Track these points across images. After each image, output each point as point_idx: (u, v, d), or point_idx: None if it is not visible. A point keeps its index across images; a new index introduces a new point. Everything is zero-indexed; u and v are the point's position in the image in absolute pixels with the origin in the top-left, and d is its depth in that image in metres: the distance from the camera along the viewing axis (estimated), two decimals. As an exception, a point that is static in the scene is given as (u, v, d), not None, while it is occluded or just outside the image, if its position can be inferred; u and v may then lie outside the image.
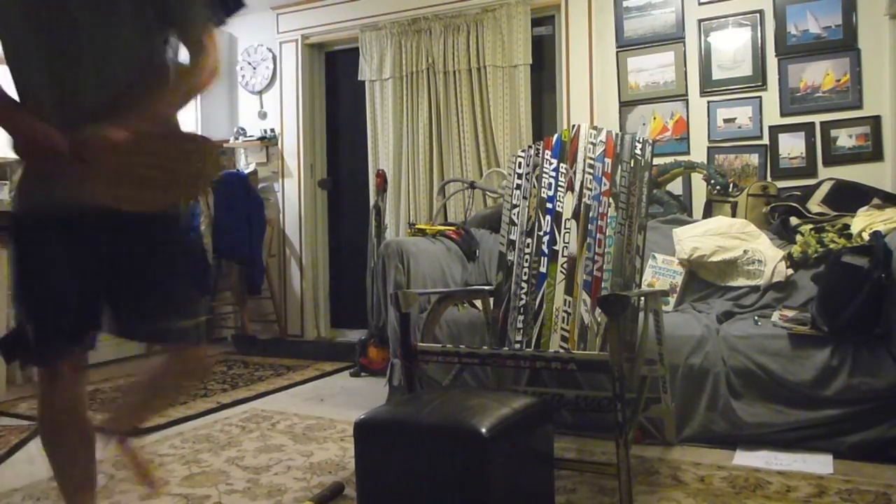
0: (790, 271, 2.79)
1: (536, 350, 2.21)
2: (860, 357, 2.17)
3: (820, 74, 3.42)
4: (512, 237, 2.38)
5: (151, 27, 1.39)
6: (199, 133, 1.51)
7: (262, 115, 5.00)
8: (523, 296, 2.30)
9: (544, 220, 2.34)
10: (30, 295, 1.41)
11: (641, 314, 2.13)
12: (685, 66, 3.70)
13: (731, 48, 3.61)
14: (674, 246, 3.02)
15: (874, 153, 3.32)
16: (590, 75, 3.91)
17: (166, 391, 1.75)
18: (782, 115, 3.51)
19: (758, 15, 3.55)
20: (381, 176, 4.03)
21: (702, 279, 2.96)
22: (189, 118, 4.89)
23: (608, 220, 2.26)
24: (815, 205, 3.01)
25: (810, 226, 2.86)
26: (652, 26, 3.78)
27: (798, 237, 2.82)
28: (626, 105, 3.85)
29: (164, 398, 1.81)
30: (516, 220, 2.38)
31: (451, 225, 3.53)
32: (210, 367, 1.74)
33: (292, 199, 4.88)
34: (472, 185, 3.85)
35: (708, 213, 3.35)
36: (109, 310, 1.45)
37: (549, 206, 2.34)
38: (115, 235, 1.38)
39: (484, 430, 1.48)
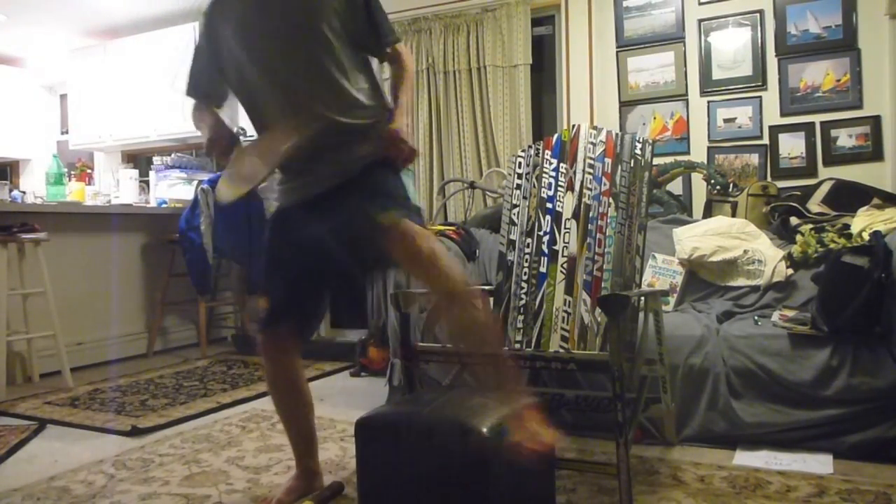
0: (790, 271, 2.79)
1: (536, 350, 2.21)
2: (860, 357, 2.17)
3: (820, 74, 3.42)
4: (512, 237, 2.38)
5: (357, 62, 1.78)
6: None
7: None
8: (523, 296, 2.30)
9: (544, 220, 2.34)
10: (268, 273, 1.86)
11: (641, 314, 2.13)
12: (685, 66, 3.71)
13: (731, 48, 3.61)
14: (674, 246, 3.02)
15: (874, 153, 3.32)
16: (590, 75, 3.91)
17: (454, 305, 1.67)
18: (782, 114, 3.51)
19: (758, 15, 3.55)
20: (381, 176, 4.03)
21: (702, 279, 2.96)
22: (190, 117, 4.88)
23: (608, 220, 2.26)
24: (815, 205, 3.01)
25: (810, 226, 2.86)
26: (652, 26, 3.78)
27: (798, 237, 2.82)
28: (626, 105, 3.86)
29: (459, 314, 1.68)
30: (516, 220, 2.38)
31: (451, 225, 3.52)
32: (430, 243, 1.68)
33: (292, 199, 4.87)
34: (472, 185, 3.84)
35: (708, 213, 3.35)
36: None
37: (549, 206, 2.34)
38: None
39: (484, 430, 1.48)
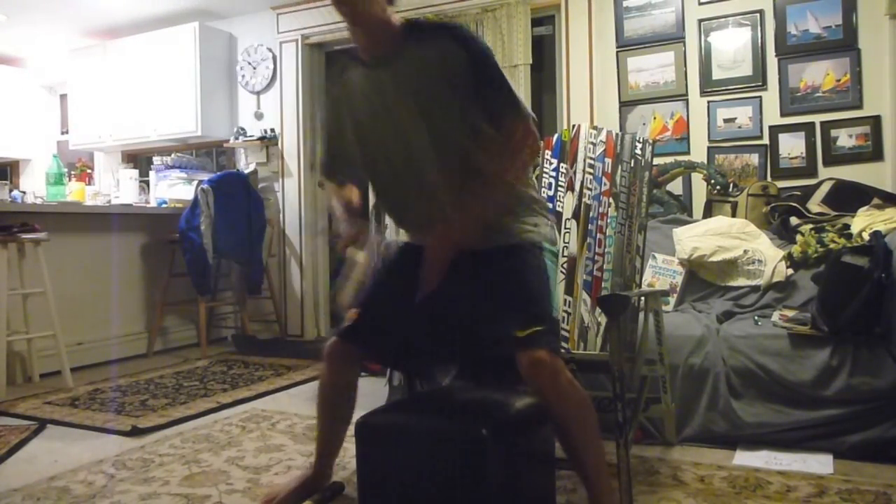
0: (790, 271, 2.79)
1: (536, 350, 2.20)
2: (860, 357, 2.17)
3: (820, 74, 3.42)
4: (512, 237, 2.37)
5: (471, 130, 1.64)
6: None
7: (259, 116, 5.01)
8: (523, 296, 2.30)
9: (544, 220, 2.33)
10: (372, 292, 1.81)
11: (641, 314, 2.13)
12: (685, 66, 3.70)
13: (731, 48, 3.61)
14: (674, 246, 3.02)
15: (874, 153, 3.32)
16: (590, 75, 3.91)
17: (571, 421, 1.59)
18: (782, 114, 3.51)
19: (758, 15, 3.55)
20: (381, 176, 4.03)
21: (702, 279, 2.96)
22: (190, 117, 4.89)
23: (608, 220, 2.26)
24: (815, 205, 3.01)
25: (810, 226, 2.86)
26: (652, 26, 3.78)
27: (798, 237, 2.83)
28: (626, 105, 3.85)
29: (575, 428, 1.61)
30: (516, 220, 2.38)
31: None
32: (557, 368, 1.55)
33: (292, 199, 4.88)
34: (472, 185, 3.84)
35: (708, 213, 3.35)
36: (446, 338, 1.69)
37: (549, 205, 2.34)
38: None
39: (484, 430, 1.48)
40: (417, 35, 1.63)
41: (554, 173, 2.35)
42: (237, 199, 4.46)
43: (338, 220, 1.80)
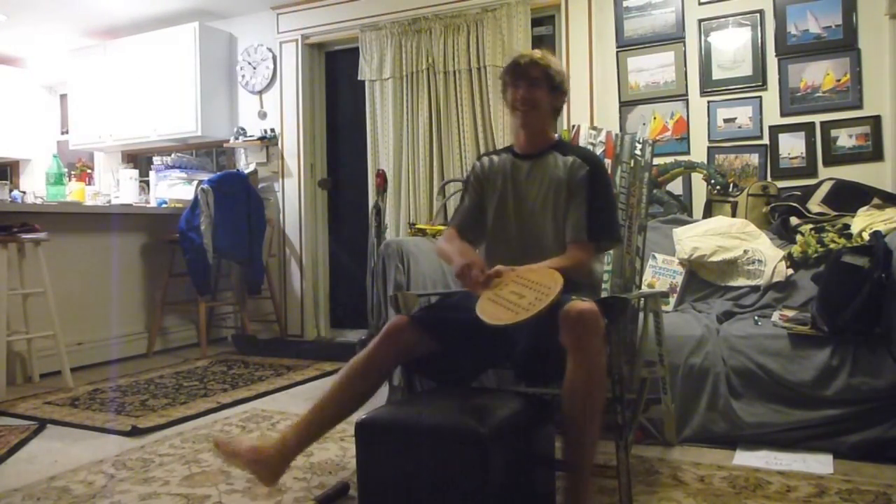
0: (790, 271, 2.79)
1: (536, 350, 2.20)
2: (860, 357, 2.17)
3: (820, 74, 3.42)
4: (512, 237, 2.37)
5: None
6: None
7: (262, 115, 5.00)
8: (523, 296, 2.29)
9: (544, 220, 2.33)
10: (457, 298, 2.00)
11: (641, 314, 2.13)
12: (685, 66, 3.71)
13: (732, 48, 3.61)
14: (674, 246, 3.02)
15: (874, 153, 3.32)
16: (590, 75, 3.91)
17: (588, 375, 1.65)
18: (782, 115, 3.51)
19: (758, 15, 3.55)
20: (381, 176, 4.03)
21: (702, 279, 2.96)
22: (190, 117, 4.90)
23: (608, 221, 2.25)
24: (815, 205, 3.01)
25: (810, 226, 2.86)
26: (652, 26, 3.78)
27: (798, 237, 2.83)
28: (626, 105, 3.86)
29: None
30: (516, 221, 2.38)
31: (451, 225, 3.51)
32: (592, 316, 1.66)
33: (292, 199, 4.88)
34: (472, 185, 3.84)
35: (708, 213, 3.35)
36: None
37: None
38: None
39: (484, 430, 1.48)
40: (559, 149, 2.07)
41: (554, 173, 2.35)
42: (237, 199, 4.46)
43: (464, 273, 1.85)
